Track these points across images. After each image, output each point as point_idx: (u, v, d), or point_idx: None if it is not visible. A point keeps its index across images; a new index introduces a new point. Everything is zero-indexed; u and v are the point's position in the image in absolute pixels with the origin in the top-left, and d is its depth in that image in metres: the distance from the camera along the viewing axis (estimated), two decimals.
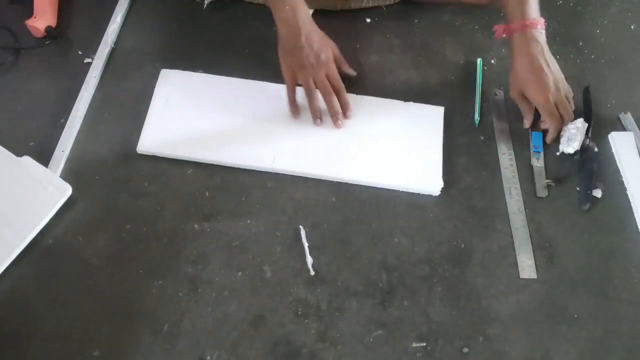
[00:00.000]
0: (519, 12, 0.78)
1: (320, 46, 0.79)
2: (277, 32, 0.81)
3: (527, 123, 0.82)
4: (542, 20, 0.79)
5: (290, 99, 0.81)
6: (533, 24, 0.77)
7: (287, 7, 0.78)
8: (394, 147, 0.80)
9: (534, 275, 0.72)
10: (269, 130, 0.80)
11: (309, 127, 0.80)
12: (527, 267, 0.72)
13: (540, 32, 0.78)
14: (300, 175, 0.77)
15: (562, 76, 0.81)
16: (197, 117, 0.81)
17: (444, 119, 0.83)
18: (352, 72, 0.85)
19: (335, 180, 0.77)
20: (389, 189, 0.77)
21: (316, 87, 0.79)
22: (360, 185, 0.77)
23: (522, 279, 0.71)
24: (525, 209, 0.77)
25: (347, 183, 0.77)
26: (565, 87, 0.81)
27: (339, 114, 0.79)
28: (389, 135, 0.80)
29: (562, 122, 0.80)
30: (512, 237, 0.74)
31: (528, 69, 0.78)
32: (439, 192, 0.77)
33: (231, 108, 0.81)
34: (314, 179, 0.78)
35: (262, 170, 0.77)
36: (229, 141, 0.79)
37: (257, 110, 0.81)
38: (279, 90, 0.82)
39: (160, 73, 0.84)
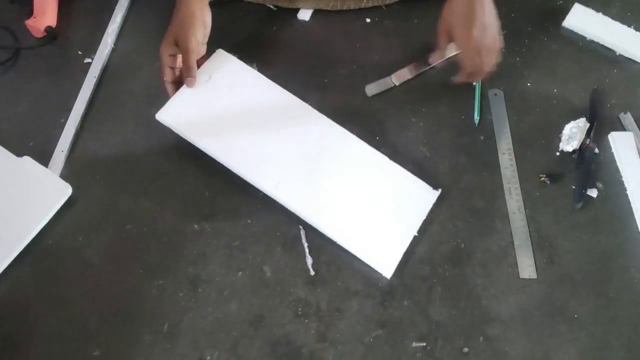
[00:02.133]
0: None
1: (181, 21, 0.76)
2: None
3: (431, 55, 0.82)
4: None
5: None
6: None
7: None
8: (369, 209, 0.74)
9: (534, 276, 0.72)
10: (279, 150, 0.77)
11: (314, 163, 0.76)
12: (527, 267, 0.72)
13: None
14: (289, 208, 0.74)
15: (496, 25, 0.77)
16: (228, 109, 0.78)
17: None
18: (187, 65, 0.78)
19: (308, 222, 0.74)
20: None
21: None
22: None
23: (522, 279, 0.71)
24: (525, 209, 0.77)
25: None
26: (493, 35, 0.77)
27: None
28: (372, 195, 0.75)
29: (477, 68, 0.77)
30: (512, 237, 0.74)
31: (464, 5, 0.76)
32: (390, 276, 0.71)
33: (262, 116, 0.78)
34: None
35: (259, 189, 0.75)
36: (242, 147, 0.76)
37: (287, 129, 0.78)
38: (316, 117, 0.79)
39: (216, 52, 0.81)
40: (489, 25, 0.76)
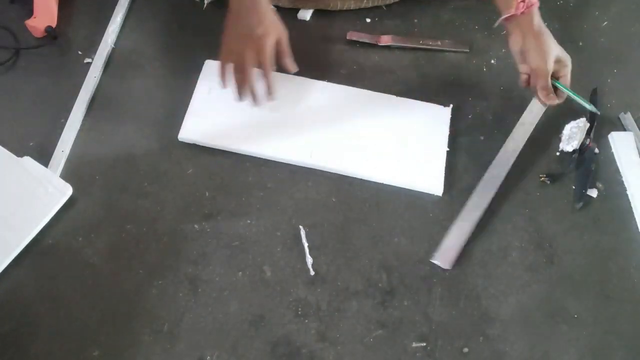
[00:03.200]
0: None
1: (265, 27, 0.76)
2: (229, 5, 0.78)
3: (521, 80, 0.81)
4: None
5: (220, 71, 0.79)
6: (534, 3, 0.77)
7: None
8: (399, 144, 0.80)
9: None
10: (299, 124, 0.81)
11: (321, 120, 0.82)
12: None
13: (537, 10, 0.77)
14: (315, 168, 0.79)
15: (564, 51, 0.79)
16: (238, 107, 0.81)
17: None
18: (292, 68, 0.81)
19: (341, 173, 0.78)
20: (389, 187, 0.77)
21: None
22: (362, 183, 0.77)
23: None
24: (525, 209, 0.77)
25: (348, 180, 0.78)
26: (565, 58, 0.79)
27: (256, 93, 0.78)
28: (395, 133, 0.81)
29: (549, 90, 0.78)
30: (512, 237, 0.74)
31: (536, 40, 0.76)
32: (441, 193, 0.77)
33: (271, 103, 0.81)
34: (316, 176, 0.78)
35: (297, 164, 0.79)
36: (267, 133, 0.80)
37: (298, 104, 0.83)
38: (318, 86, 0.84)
39: (205, 63, 0.85)
40: (561, 54, 0.78)
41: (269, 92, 0.79)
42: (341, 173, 0.78)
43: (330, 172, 0.79)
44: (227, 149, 0.79)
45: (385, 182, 0.78)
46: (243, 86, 0.78)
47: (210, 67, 0.84)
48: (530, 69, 0.78)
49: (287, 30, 0.79)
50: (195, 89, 0.83)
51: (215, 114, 0.81)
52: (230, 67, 0.78)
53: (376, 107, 0.83)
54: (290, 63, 0.81)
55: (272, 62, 0.78)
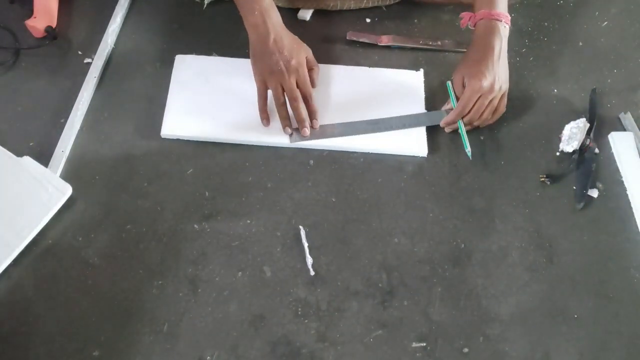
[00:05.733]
0: (487, 3, 0.79)
1: (290, 51, 0.78)
2: (249, 37, 0.80)
3: (445, 106, 0.83)
4: (508, 16, 0.79)
5: (261, 107, 0.80)
6: (498, 15, 0.78)
7: (256, 12, 0.78)
8: (381, 112, 0.82)
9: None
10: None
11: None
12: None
13: (504, 26, 0.78)
14: (303, 147, 0.80)
15: (505, 79, 0.79)
16: (215, 98, 0.83)
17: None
18: (315, 83, 0.82)
19: (329, 149, 0.80)
20: (377, 156, 0.80)
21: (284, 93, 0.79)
22: (361, 179, 0.77)
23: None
24: (525, 209, 0.77)
25: (340, 155, 0.80)
26: (499, 91, 0.78)
27: (305, 121, 0.79)
28: (375, 101, 0.84)
29: (464, 117, 0.79)
30: (512, 237, 0.74)
31: (479, 57, 0.77)
32: (426, 153, 0.80)
33: (245, 87, 0.83)
34: (315, 175, 0.78)
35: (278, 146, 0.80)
36: (248, 120, 0.81)
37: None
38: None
39: (176, 59, 0.86)
40: (497, 81, 0.77)
41: (313, 116, 0.80)
42: (328, 148, 0.80)
43: (318, 150, 0.80)
44: (210, 140, 0.80)
45: (371, 151, 0.80)
46: (285, 119, 0.79)
47: (182, 62, 0.86)
48: (460, 87, 0.80)
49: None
50: (170, 85, 0.84)
51: (194, 106, 0.82)
52: (273, 104, 0.80)
53: (350, 78, 0.86)
54: (315, 76, 0.83)
55: (309, 87, 0.80)
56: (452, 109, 0.81)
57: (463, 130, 0.80)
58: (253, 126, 0.80)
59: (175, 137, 0.80)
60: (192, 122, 0.80)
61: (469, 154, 0.79)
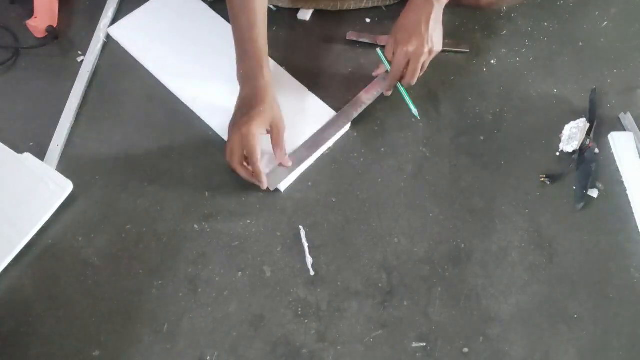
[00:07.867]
0: None
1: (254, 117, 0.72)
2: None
3: (377, 71, 0.86)
4: None
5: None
6: None
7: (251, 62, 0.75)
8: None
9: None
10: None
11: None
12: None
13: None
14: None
15: (438, 42, 0.80)
16: (172, 35, 0.88)
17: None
18: (285, 163, 0.77)
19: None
20: None
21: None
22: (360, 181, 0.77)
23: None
24: (525, 209, 0.77)
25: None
26: (428, 54, 0.80)
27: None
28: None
29: (399, 78, 0.82)
30: (512, 237, 0.74)
31: (406, 22, 0.80)
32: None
33: (199, 41, 0.87)
34: (313, 174, 0.78)
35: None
36: (177, 67, 0.85)
37: (215, 53, 0.86)
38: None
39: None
40: (427, 42, 0.79)
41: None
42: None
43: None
44: (142, 63, 0.85)
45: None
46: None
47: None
48: (393, 49, 0.81)
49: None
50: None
51: (151, 29, 0.87)
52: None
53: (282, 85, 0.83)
54: (281, 155, 0.76)
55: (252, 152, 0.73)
56: (383, 74, 0.85)
57: (404, 93, 0.83)
58: (176, 77, 0.84)
59: (117, 40, 0.86)
60: (140, 39, 0.86)
61: (416, 114, 0.83)
